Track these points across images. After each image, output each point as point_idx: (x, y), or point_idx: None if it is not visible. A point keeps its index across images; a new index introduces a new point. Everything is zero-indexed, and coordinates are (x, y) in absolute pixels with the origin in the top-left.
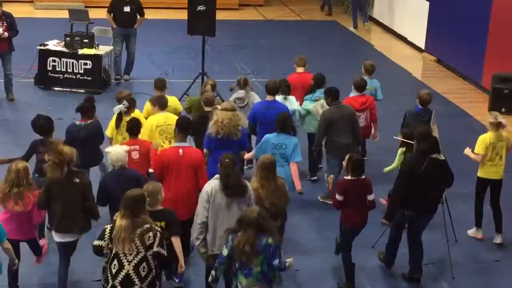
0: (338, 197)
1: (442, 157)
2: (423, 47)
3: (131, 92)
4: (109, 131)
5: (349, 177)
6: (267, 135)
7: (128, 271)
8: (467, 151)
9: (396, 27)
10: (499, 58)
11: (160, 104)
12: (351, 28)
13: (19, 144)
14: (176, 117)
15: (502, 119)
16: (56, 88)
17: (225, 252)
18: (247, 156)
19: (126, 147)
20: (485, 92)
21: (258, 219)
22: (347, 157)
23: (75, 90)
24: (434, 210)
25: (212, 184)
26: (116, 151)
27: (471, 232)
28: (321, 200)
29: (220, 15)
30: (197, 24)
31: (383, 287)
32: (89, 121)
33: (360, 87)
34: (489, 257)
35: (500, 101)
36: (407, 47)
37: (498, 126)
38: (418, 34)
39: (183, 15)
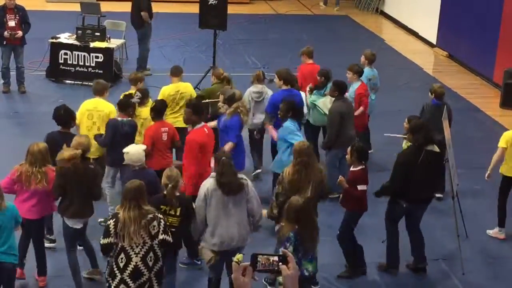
0: (362, 187)
1: (437, 149)
2: (434, 42)
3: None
4: None
5: (359, 167)
6: (289, 126)
7: (136, 262)
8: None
9: (407, 22)
10: (511, 53)
11: (94, 89)
12: (321, 4)
13: (30, 136)
14: (109, 105)
15: None
16: (67, 81)
17: (291, 249)
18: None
19: (143, 146)
20: (496, 88)
21: (308, 205)
22: (349, 148)
23: (87, 83)
24: (431, 200)
25: (208, 184)
26: (136, 151)
27: (493, 232)
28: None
29: (231, 9)
30: (209, 17)
31: (394, 281)
32: (129, 118)
33: (360, 73)
34: (500, 253)
35: (511, 97)
36: (418, 42)
37: None
38: (430, 29)
39: (194, 8)
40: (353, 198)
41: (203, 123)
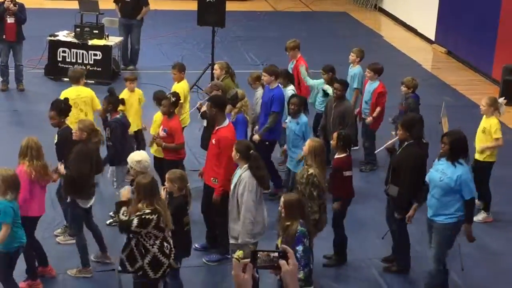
0: (348, 173)
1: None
2: (433, 38)
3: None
4: (153, 128)
5: (344, 154)
6: (306, 120)
7: (172, 245)
8: (483, 146)
9: (406, 19)
10: (510, 50)
11: (71, 77)
12: None
13: (29, 134)
14: (89, 90)
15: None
16: (66, 79)
17: (307, 244)
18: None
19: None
20: (495, 84)
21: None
22: (335, 135)
23: (85, 81)
24: None
25: (249, 177)
26: (146, 157)
27: (483, 217)
28: None
29: (230, 6)
30: (207, 14)
31: (393, 279)
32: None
33: (380, 71)
34: (499, 249)
35: (510, 93)
36: (417, 39)
37: (496, 107)
38: (428, 26)
39: (193, 5)
40: (340, 185)
41: (227, 120)
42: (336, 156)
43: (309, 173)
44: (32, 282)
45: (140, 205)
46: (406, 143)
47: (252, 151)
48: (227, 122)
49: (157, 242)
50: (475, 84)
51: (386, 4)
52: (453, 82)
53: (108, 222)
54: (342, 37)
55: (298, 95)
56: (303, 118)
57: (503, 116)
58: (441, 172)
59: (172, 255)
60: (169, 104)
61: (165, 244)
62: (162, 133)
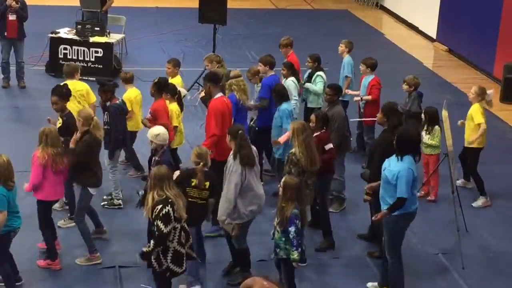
0: (329, 146)
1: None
2: (434, 36)
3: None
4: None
5: (321, 131)
6: (288, 108)
7: (190, 232)
8: (470, 140)
9: (407, 17)
10: (511, 48)
11: (66, 72)
12: None
13: (30, 131)
14: (84, 84)
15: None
16: None
17: (299, 225)
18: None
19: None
20: (496, 82)
21: (301, 182)
22: (314, 116)
23: (86, 78)
24: None
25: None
26: (164, 131)
27: (482, 202)
28: None
29: (231, 4)
30: (209, 12)
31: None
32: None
33: (374, 66)
34: (500, 248)
35: (511, 91)
36: (418, 37)
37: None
38: (430, 24)
39: (194, 3)
40: (324, 161)
41: (220, 94)
42: (314, 134)
43: (290, 152)
44: (51, 262)
45: (151, 193)
46: (383, 129)
47: (240, 131)
48: (220, 94)
49: (176, 234)
50: (476, 82)
51: (387, 2)
52: (454, 80)
53: (102, 203)
54: (343, 35)
55: (280, 84)
56: (283, 105)
57: (504, 115)
58: (388, 163)
59: (188, 244)
60: (152, 85)
61: (183, 233)
62: (148, 115)
